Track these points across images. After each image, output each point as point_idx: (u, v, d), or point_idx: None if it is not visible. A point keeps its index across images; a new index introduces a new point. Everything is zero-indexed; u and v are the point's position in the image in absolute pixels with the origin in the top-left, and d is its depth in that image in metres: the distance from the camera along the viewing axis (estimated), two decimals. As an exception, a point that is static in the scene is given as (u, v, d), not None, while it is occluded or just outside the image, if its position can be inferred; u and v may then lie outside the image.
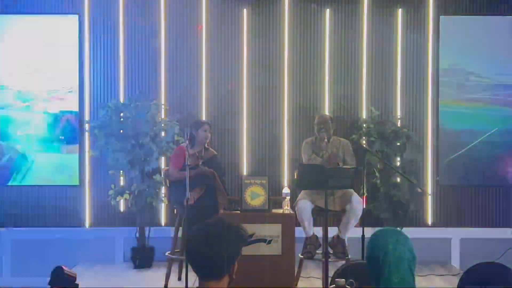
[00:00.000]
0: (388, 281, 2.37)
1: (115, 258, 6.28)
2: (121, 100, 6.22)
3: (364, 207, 5.16)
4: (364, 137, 6.13)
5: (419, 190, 5.97)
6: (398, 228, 4.75)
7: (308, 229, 5.17)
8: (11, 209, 6.28)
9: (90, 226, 6.30)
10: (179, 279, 5.45)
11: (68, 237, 6.21)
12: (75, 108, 6.32)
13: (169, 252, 5.38)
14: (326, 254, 4.66)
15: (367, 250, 2.47)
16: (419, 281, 4.32)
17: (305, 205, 5.14)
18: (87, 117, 6.31)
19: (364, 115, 6.36)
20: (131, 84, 6.36)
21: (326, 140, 5.38)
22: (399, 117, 6.27)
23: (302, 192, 5.27)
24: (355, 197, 5.15)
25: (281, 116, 6.38)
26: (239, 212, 4.96)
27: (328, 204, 4.68)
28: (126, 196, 5.93)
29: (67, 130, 6.32)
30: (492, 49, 6.38)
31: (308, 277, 5.51)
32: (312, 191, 5.16)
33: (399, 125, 6.16)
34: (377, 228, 2.63)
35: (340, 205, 5.19)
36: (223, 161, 6.07)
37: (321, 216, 5.30)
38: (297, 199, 5.26)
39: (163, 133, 6.05)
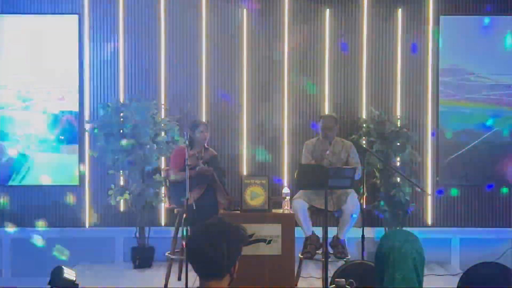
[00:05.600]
0: (391, 278, 2.37)
1: (115, 258, 6.28)
2: (121, 100, 6.22)
3: (364, 207, 5.16)
4: (364, 137, 6.13)
5: (419, 190, 5.98)
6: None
7: (307, 228, 5.17)
8: (11, 209, 6.28)
9: (90, 226, 6.30)
10: (179, 279, 5.45)
11: (68, 237, 6.21)
12: (75, 108, 6.32)
13: (169, 252, 5.38)
14: (326, 254, 4.65)
15: (377, 247, 2.48)
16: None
17: (299, 205, 5.13)
18: (87, 117, 6.31)
19: (364, 115, 6.36)
20: (131, 84, 6.36)
21: (327, 152, 5.35)
22: (399, 117, 6.27)
23: (300, 191, 5.26)
24: (351, 197, 5.13)
25: (281, 116, 6.39)
26: (239, 212, 4.96)
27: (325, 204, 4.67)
28: (126, 196, 5.93)
29: (67, 130, 6.32)
30: (492, 49, 6.38)
31: (308, 277, 5.51)
32: (310, 190, 5.15)
33: (399, 125, 6.16)
34: (379, 228, 2.64)
35: (337, 205, 5.18)
36: (223, 161, 6.08)
37: (317, 216, 5.31)
38: (293, 198, 5.24)
39: (163, 133, 6.05)
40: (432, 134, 6.34)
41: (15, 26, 6.31)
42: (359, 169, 5.18)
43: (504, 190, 6.36)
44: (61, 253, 6.11)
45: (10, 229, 6.23)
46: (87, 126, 6.16)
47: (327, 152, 5.36)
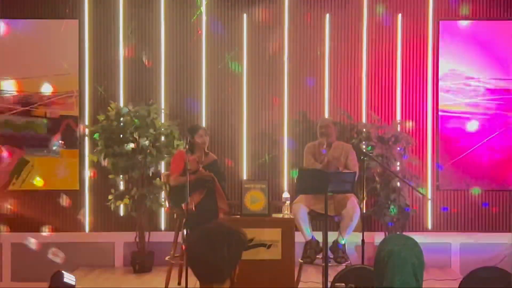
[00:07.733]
0: (391, 282, 2.37)
1: (115, 263, 6.28)
2: (121, 104, 6.22)
3: (364, 211, 5.16)
4: (363, 142, 6.13)
5: (419, 194, 5.97)
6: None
7: (307, 233, 5.16)
8: (12, 214, 6.28)
9: (90, 230, 6.30)
10: (179, 283, 5.44)
11: (68, 242, 6.21)
12: (75, 112, 6.33)
13: (169, 256, 5.38)
14: (326, 259, 4.65)
15: (376, 251, 2.48)
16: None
17: (299, 209, 5.13)
18: (87, 121, 6.31)
19: (364, 119, 6.37)
20: (131, 88, 6.36)
21: (325, 146, 5.38)
22: (399, 121, 6.27)
23: (300, 196, 5.26)
24: (351, 202, 5.13)
25: (281, 120, 6.39)
26: (239, 216, 4.96)
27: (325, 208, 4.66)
28: (126, 200, 5.92)
29: (67, 135, 6.32)
30: (491, 54, 6.39)
31: (308, 282, 5.50)
32: (310, 195, 5.15)
33: (399, 129, 6.16)
34: (379, 233, 2.63)
35: (337, 210, 5.18)
36: (223, 166, 6.08)
37: (316, 220, 5.30)
38: (293, 202, 5.24)
39: (163, 138, 6.05)
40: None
41: (16, 30, 6.31)
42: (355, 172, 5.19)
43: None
44: (56, 256, 6.10)
45: (11, 233, 6.23)
46: (87, 131, 6.16)
47: (324, 147, 5.37)
